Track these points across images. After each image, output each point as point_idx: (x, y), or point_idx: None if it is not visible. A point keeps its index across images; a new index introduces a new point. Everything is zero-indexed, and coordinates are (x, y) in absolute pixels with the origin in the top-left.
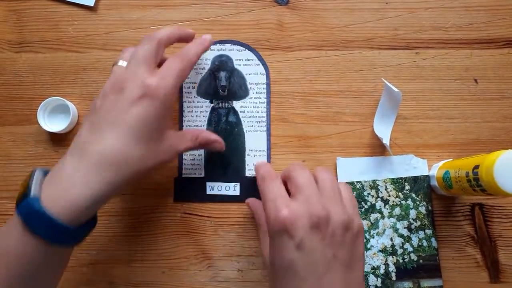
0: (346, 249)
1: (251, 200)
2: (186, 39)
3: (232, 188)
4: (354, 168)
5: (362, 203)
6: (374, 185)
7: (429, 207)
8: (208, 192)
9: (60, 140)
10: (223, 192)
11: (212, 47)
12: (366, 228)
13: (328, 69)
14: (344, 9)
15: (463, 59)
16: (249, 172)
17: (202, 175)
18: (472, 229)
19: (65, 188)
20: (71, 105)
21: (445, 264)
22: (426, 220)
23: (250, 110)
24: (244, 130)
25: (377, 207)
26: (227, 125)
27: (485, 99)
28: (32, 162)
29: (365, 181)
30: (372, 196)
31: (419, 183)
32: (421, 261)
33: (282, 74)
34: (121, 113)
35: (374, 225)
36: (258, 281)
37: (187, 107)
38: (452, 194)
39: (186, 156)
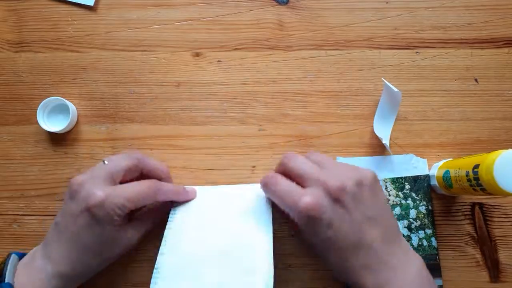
0: (370, 204)
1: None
2: (159, 175)
3: None
4: None
5: None
6: None
7: (429, 207)
8: None
9: (59, 140)
10: None
11: None
12: None
13: (328, 68)
14: (344, 8)
15: (463, 59)
16: None
17: None
18: (472, 229)
19: (34, 279)
20: (70, 105)
21: (445, 264)
22: (426, 220)
23: None
24: None
25: None
26: None
27: (485, 98)
28: (31, 162)
29: None
30: None
31: (419, 183)
32: None
33: (282, 74)
34: (70, 223)
35: None
36: None
37: None
38: (452, 194)
39: None
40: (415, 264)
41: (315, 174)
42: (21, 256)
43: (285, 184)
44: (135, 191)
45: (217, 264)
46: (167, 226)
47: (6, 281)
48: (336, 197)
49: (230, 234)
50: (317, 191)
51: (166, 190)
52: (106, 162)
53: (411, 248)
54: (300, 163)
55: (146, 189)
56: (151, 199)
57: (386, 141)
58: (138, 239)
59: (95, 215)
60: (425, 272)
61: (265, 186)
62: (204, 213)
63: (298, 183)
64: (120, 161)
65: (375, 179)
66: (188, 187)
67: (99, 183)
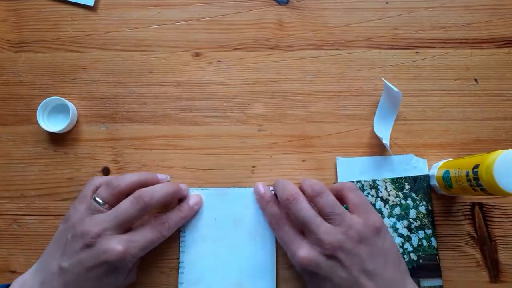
0: (369, 257)
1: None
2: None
3: None
4: (354, 168)
5: None
6: (374, 185)
7: (429, 207)
8: None
9: (59, 140)
10: None
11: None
12: None
13: (328, 68)
14: (344, 8)
15: (463, 59)
16: None
17: None
18: (472, 229)
19: None
20: (70, 105)
21: (445, 264)
22: (426, 220)
23: None
24: None
25: (377, 207)
26: None
27: (485, 98)
28: (32, 162)
29: (365, 181)
30: (372, 195)
31: (419, 183)
32: (421, 260)
33: (282, 74)
34: (81, 269)
35: None
36: None
37: None
38: (452, 194)
39: None
40: None
41: (314, 228)
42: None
43: (286, 231)
44: (148, 240)
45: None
46: (180, 250)
47: None
48: (331, 254)
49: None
50: (313, 247)
51: (173, 223)
52: (99, 200)
53: None
54: (304, 210)
55: (156, 235)
56: (162, 239)
57: (386, 141)
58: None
59: (115, 267)
60: None
61: (270, 223)
62: (210, 233)
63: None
64: (128, 210)
65: (378, 229)
66: (192, 196)
67: (114, 234)
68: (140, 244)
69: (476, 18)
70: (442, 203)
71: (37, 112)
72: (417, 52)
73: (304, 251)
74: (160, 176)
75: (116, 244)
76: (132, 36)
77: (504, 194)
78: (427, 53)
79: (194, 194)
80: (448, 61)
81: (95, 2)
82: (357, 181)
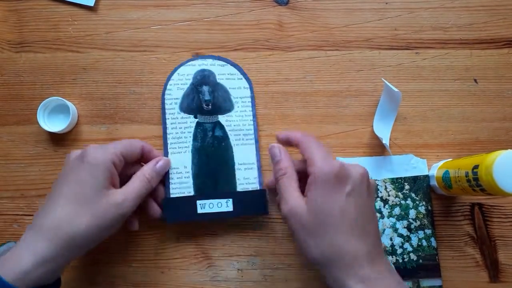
0: (371, 204)
1: (275, 145)
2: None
3: (225, 204)
4: None
5: None
6: None
7: (429, 207)
8: (199, 210)
9: (60, 140)
10: (215, 209)
11: (193, 62)
12: None
13: (328, 69)
14: (344, 9)
15: (463, 59)
16: (241, 186)
17: (192, 193)
18: (471, 229)
19: (15, 253)
20: (71, 105)
21: (445, 264)
22: (425, 220)
23: (237, 123)
24: (232, 144)
25: (377, 207)
26: (213, 140)
27: (485, 99)
28: (32, 162)
29: None
30: None
31: (418, 183)
32: (420, 260)
33: (282, 74)
34: (71, 171)
35: None
36: (258, 281)
37: (171, 123)
38: (452, 194)
39: (173, 175)
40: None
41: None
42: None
43: (321, 147)
44: (123, 143)
45: None
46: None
47: None
48: (362, 179)
49: None
50: (350, 166)
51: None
52: None
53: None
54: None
55: (131, 141)
56: (136, 149)
57: (386, 141)
58: (128, 208)
59: (92, 164)
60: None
61: (299, 138)
62: None
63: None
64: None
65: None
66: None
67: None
68: (118, 147)
69: (476, 19)
70: (442, 203)
71: (38, 112)
72: (417, 53)
73: (339, 162)
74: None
75: (93, 149)
76: (132, 37)
77: (504, 194)
78: (427, 53)
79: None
80: (448, 61)
81: (95, 3)
82: None
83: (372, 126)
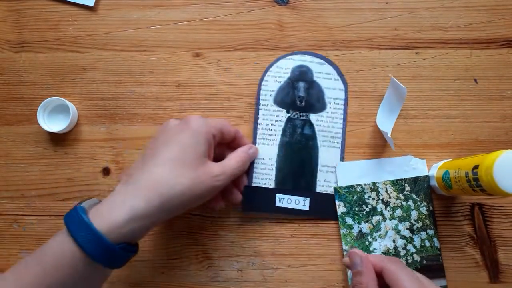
0: None
1: (357, 251)
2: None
3: (302, 203)
4: (354, 171)
5: (363, 206)
6: (374, 188)
7: (430, 207)
8: (277, 204)
9: (60, 140)
10: (293, 205)
11: (292, 57)
12: (368, 231)
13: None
14: (344, 9)
15: (463, 59)
16: (320, 188)
17: (272, 185)
18: (471, 229)
19: (108, 206)
20: (71, 105)
21: (445, 264)
22: (427, 221)
23: (327, 124)
24: (318, 144)
25: (378, 210)
26: (301, 137)
27: (484, 99)
28: (32, 162)
29: (365, 184)
30: (373, 198)
31: (419, 184)
32: (424, 261)
33: None
34: (173, 135)
35: (376, 227)
36: (258, 281)
37: (263, 114)
38: (452, 194)
39: (257, 165)
40: None
41: None
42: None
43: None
44: (222, 121)
45: None
46: None
47: (80, 206)
48: None
49: None
50: None
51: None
52: None
53: None
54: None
55: (228, 123)
56: (231, 131)
57: (389, 135)
58: (223, 182)
59: (196, 130)
60: None
61: (386, 262)
62: None
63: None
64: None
65: None
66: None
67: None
68: (216, 122)
69: (476, 19)
70: (442, 203)
71: (38, 112)
72: (417, 53)
73: None
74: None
75: (199, 119)
76: (132, 37)
77: (504, 194)
78: (427, 53)
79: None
80: (448, 61)
81: (95, 3)
82: (358, 185)
83: (372, 126)
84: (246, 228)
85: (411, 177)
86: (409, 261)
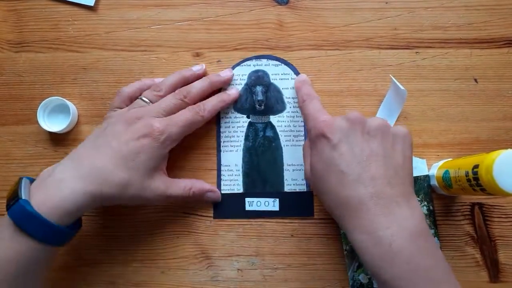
0: (388, 146)
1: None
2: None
3: (272, 204)
4: None
5: None
6: None
7: (430, 207)
8: (247, 208)
9: (60, 140)
10: (262, 207)
11: (248, 62)
12: None
13: (328, 69)
14: (344, 8)
15: (463, 59)
16: (288, 187)
17: (241, 190)
18: (471, 229)
19: (53, 192)
20: (71, 105)
21: None
22: (427, 220)
23: (287, 124)
24: (282, 145)
25: None
26: (264, 140)
27: (485, 98)
28: (32, 162)
29: None
30: None
31: (419, 183)
32: None
33: None
34: (121, 143)
35: None
36: (258, 281)
37: (224, 122)
38: (452, 194)
39: (224, 172)
40: (415, 217)
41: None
42: (32, 180)
43: (317, 105)
44: (187, 119)
45: None
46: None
47: (23, 198)
48: (352, 124)
49: None
50: (339, 117)
51: (210, 105)
52: (145, 99)
53: (418, 202)
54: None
55: (193, 114)
56: (200, 120)
57: None
58: (155, 197)
59: (154, 145)
60: (425, 232)
61: (302, 100)
62: None
63: None
64: (170, 99)
65: (402, 138)
66: (229, 89)
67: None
68: (178, 123)
69: (476, 18)
70: (442, 203)
71: (37, 112)
72: (417, 52)
73: (327, 117)
74: (195, 68)
75: (156, 122)
76: (133, 36)
77: (504, 194)
78: (427, 53)
79: (232, 87)
80: (448, 61)
81: (95, 2)
82: None
83: None
84: (246, 228)
85: None
86: None
